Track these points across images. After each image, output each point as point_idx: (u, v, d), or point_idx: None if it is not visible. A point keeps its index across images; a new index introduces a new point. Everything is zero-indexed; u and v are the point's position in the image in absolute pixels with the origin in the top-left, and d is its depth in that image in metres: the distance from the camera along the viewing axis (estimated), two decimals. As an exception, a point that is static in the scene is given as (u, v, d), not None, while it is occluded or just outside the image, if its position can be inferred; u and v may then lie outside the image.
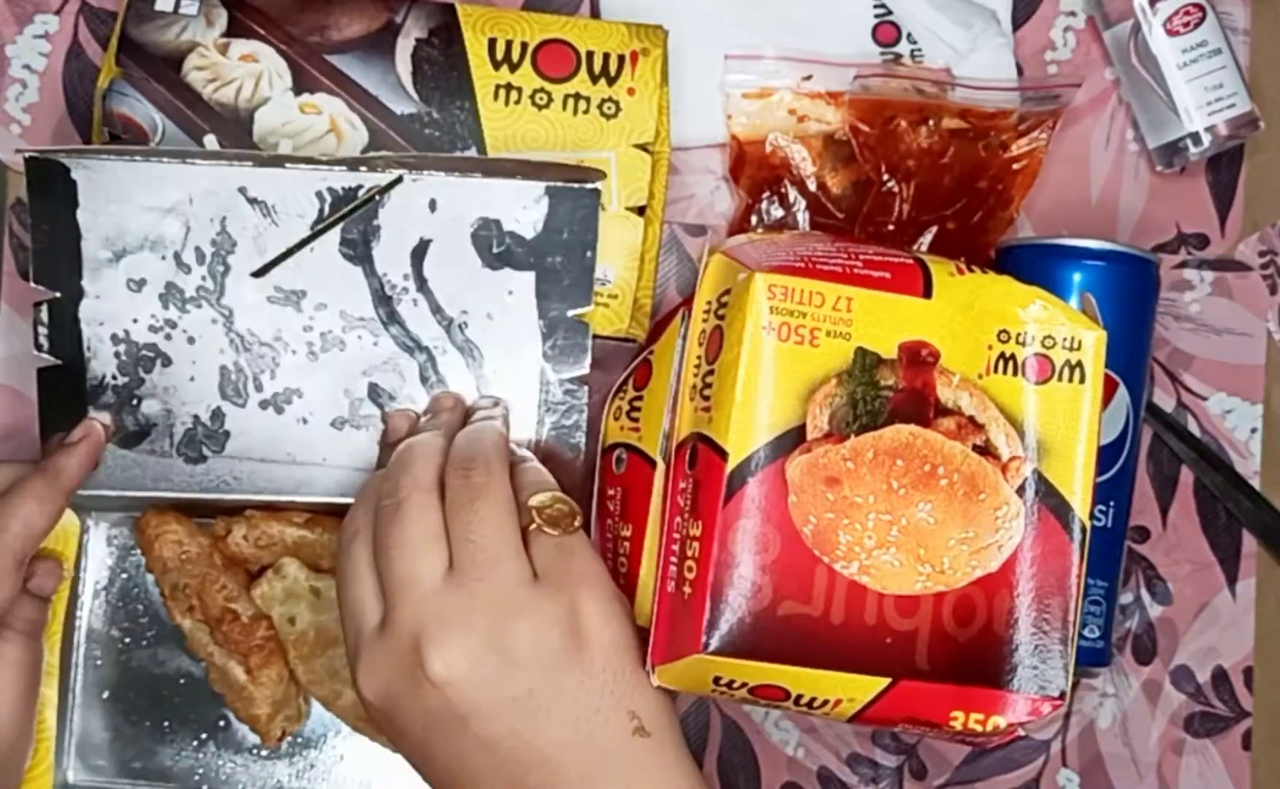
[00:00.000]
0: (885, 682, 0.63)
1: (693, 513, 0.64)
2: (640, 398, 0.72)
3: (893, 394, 0.64)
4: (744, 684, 0.63)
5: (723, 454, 0.62)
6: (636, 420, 0.72)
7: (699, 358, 0.66)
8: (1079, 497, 0.65)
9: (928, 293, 0.65)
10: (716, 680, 0.63)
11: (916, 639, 0.63)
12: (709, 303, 0.66)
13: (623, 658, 0.62)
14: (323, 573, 0.75)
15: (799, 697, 0.63)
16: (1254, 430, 0.82)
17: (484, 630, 0.60)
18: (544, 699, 0.60)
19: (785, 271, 0.63)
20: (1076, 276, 0.74)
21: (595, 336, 0.75)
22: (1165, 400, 0.82)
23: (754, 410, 0.62)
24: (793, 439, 0.63)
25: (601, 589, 0.63)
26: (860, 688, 0.63)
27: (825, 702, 0.64)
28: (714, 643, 0.62)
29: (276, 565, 0.75)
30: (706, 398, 0.64)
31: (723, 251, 0.67)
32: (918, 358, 0.64)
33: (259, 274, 0.69)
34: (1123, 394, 0.75)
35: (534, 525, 0.63)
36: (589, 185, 0.71)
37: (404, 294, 0.71)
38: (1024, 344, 0.65)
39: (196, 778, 0.78)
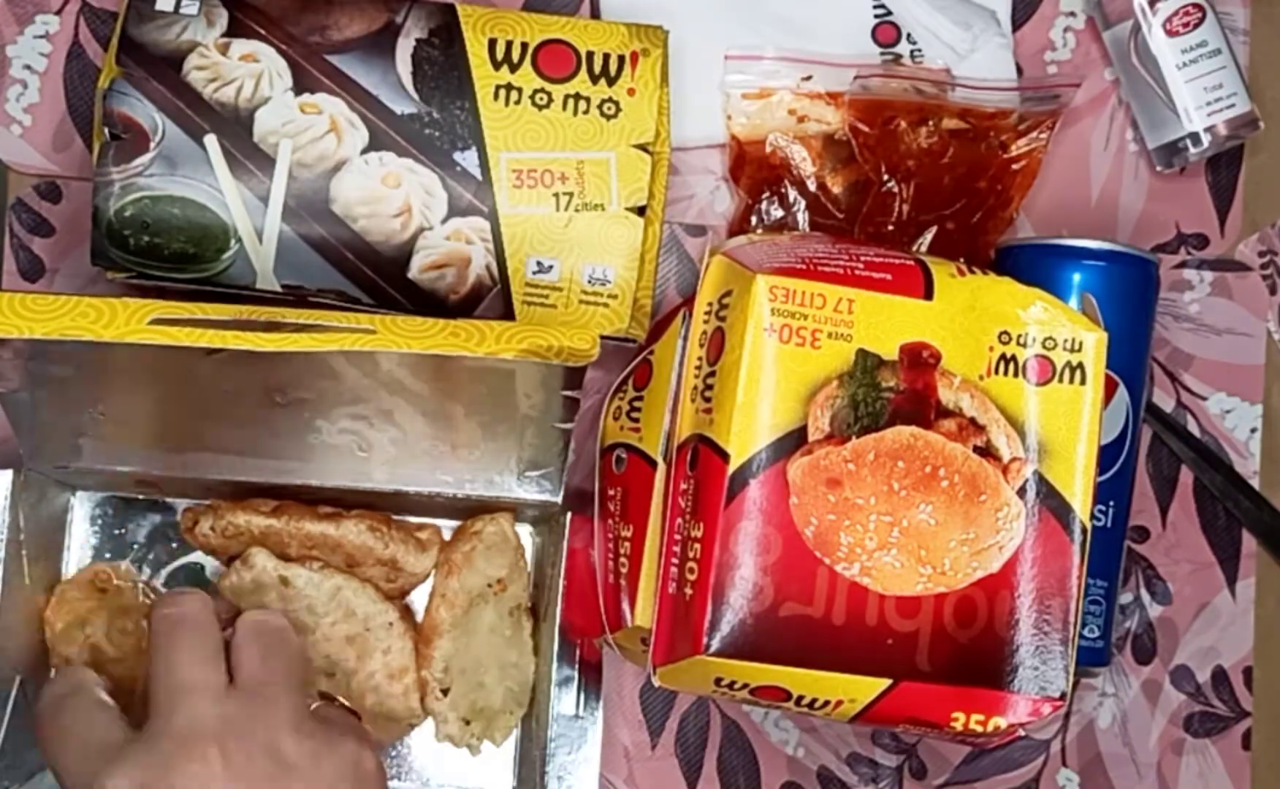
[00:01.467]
0: (886, 683, 0.63)
1: (694, 514, 0.64)
2: (640, 398, 0.72)
3: (894, 395, 0.64)
4: (745, 685, 0.63)
5: (724, 456, 0.62)
6: (637, 420, 0.72)
7: (700, 359, 0.66)
8: (1079, 498, 0.65)
9: (929, 294, 0.65)
10: (718, 681, 0.64)
11: (917, 640, 0.63)
12: (710, 304, 0.66)
13: None
14: (291, 562, 0.75)
15: (800, 698, 0.64)
16: (1254, 430, 0.82)
17: (267, 738, 0.60)
18: None
19: (786, 273, 0.63)
20: (1076, 277, 0.74)
21: (595, 337, 0.75)
22: (1165, 400, 0.82)
23: (755, 412, 0.62)
24: (794, 441, 0.63)
25: (375, 748, 0.64)
26: (861, 689, 0.63)
27: (826, 703, 0.64)
28: (715, 644, 0.62)
29: (244, 556, 0.74)
30: (708, 399, 0.64)
31: (723, 253, 0.67)
32: (919, 359, 0.64)
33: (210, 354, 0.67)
34: (1122, 394, 0.75)
35: (319, 701, 0.66)
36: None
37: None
38: (1025, 345, 0.65)
39: None
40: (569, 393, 0.67)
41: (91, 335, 0.61)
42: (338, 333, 0.62)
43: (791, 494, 0.63)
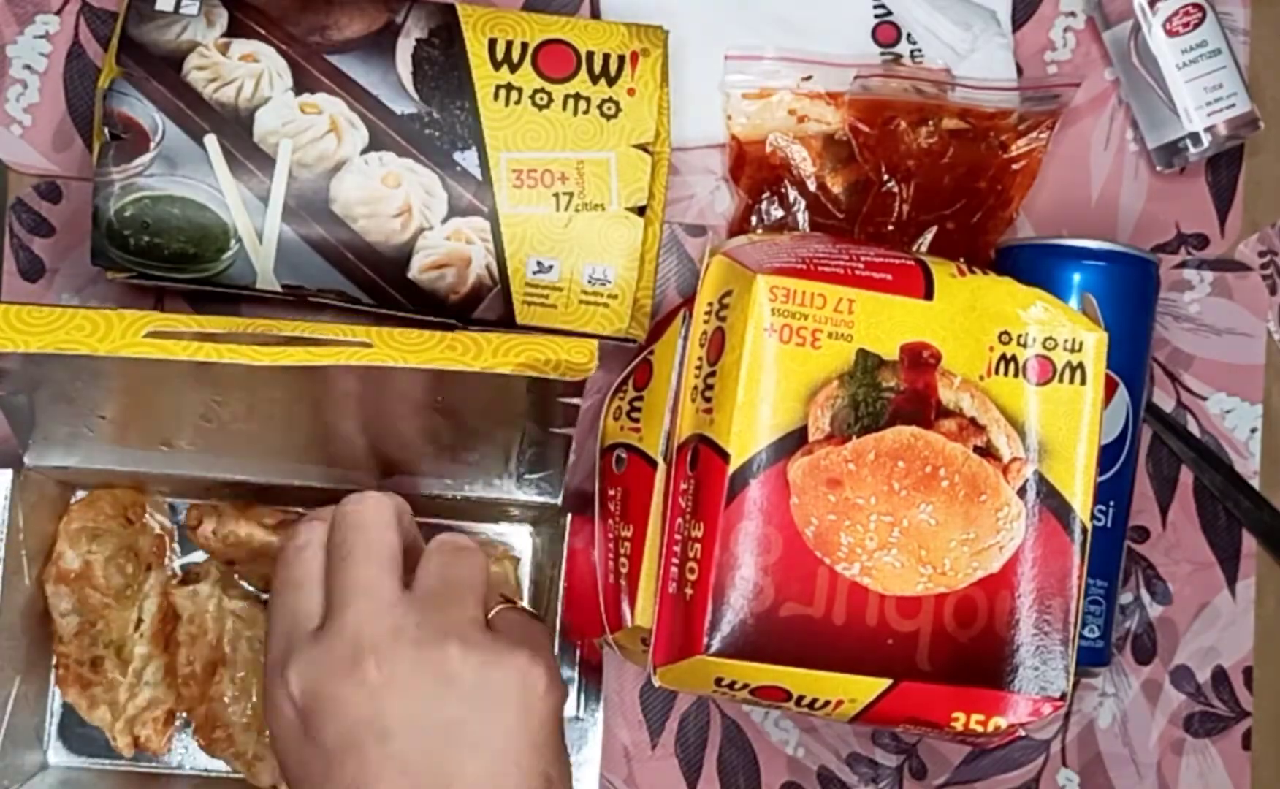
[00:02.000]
0: (887, 683, 0.63)
1: (694, 514, 0.64)
2: (640, 398, 0.72)
3: (894, 395, 0.64)
4: (745, 685, 0.63)
5: (724, 456, 0.62)
6: (637, 420, 0.72)
7: (700, 359, 0.66)
8: (1080, 498, 0.65)
9: (929, 294, 0.65)
10: (718, 681, 0.64)
11: (918, 640, 0.63)
12: (710, 304, 0.66)
13: (555, 726, 0.61)
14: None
15: (800, 698, 0.64)
16: (1254, 430, 0.82)
17: (432, 650, 0.58)
18: (473, 733, 0.58)
19: (787, 273, 0.63)
20: (1076, 277, 0.74)
21: (595, 337, 0.75)
22: (1165, 400, 0.82)
23: (756, 412, 0.62)
24: (794, 441, 0.63)
25: (553, 662, 0.61)
26: (862, 689, 0.63)
27: (827, 703, 0.64)
28: (715, 644, 0.62)
29: (203, 571, 0.76)
30: (708, 399, 0.64)
31: (724, 253, 0.67)
32: (919, 359, 0.64)
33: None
34: (1122, 394, 0.75)
35: (502, 604, 0.64)
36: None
37: None
38: (1025, 345, 0.65)
39: (179, 758, 0.78)
40: (568, 400, 0.67)
41: (87, 349, 0.61)
42: (333, 347, 0.62)
43: (792, 494, 0.63)
